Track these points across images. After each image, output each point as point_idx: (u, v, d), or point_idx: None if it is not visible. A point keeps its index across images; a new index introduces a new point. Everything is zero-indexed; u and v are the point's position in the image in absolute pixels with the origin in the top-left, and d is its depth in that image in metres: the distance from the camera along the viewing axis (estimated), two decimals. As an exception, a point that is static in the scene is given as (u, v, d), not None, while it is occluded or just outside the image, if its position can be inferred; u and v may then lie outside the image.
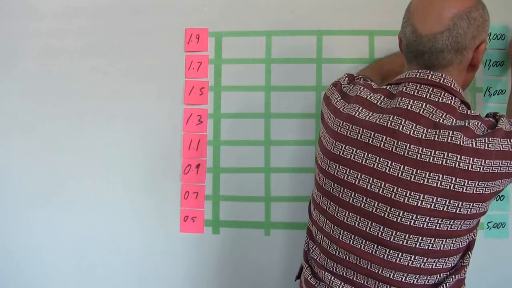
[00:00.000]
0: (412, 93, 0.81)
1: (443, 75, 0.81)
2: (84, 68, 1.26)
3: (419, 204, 0.77)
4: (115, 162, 1.27)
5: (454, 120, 0.78)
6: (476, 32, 0.79)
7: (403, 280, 0.82)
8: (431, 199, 0.76)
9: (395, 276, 0.82)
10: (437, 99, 0.79)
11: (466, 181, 0.75)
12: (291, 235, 1.23)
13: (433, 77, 0.81)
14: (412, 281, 0.82)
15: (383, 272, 0.82)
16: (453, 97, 0.80)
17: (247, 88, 1.24)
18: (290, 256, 1.24)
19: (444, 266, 0.82)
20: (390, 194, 0.78)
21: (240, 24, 1.23)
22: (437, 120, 0.78)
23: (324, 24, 1.21)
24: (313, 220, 0.95)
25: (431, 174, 0.76)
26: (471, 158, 0.75)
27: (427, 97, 0.80)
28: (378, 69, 1.13)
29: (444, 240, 0.79)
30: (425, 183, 0.76)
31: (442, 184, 0.75)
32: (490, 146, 0.75)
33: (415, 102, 0.80)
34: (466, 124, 0.77)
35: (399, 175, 0.78)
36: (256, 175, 1.24)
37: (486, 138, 0.75)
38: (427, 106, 0.79)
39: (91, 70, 1.26)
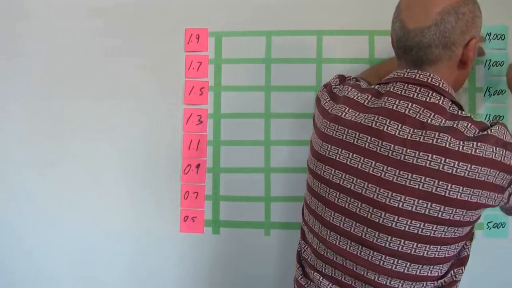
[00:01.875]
0: (399, 92, 0.80)
1: (431, 74, 0.80)
2: (84, 68, 1.26)
3: (400, 206, 0.76)
4: (115, 162, 1.26)
5: (443, 120, 0.76)
6: (465, 28, 0.78)
7: (387, 283, 0.80)
8: (412, 201, 0.75)
9: (379, 279, 0.81)
10: (424, 99, 0.78)
11: (450, 185, 0.73)
12: (291, 235, 1.23)
13: (421, 76, 0.80)
14: (397, 286, 0.80)
15: (368, 274, 0.81)
16: (442, 97, 0.79)
17: (247, 88, 1.24)
18: (290, 256, 1.23)
19: (429, 274, 0.80)
20: (373, 195, 0.78)
21: (240, 24, 1.23)
22: (425, 120, 0.76)
23: (324, 24, 1.21)
24: (304, 221, 0.95)
25: (413, 175, 0.74)
26: (457, 162, 0.73)
27: (414, 96, 0.79)
28: (377, 70, 1.12)
29: (428, 246, 0.77)
30: (407, 184, 0.75)
31: (424, 186, 0.74)
32: (478, 151, 0.73)
33: (401, 102, 0.78)
34: (455, 125, 0.75)
35: (382, 176, 0.77)
36: (256, 175, 1.24)
37: (475, 143, 0.73)
38: (413, 106, 0.78)
39: (91, 70, 1.26)
